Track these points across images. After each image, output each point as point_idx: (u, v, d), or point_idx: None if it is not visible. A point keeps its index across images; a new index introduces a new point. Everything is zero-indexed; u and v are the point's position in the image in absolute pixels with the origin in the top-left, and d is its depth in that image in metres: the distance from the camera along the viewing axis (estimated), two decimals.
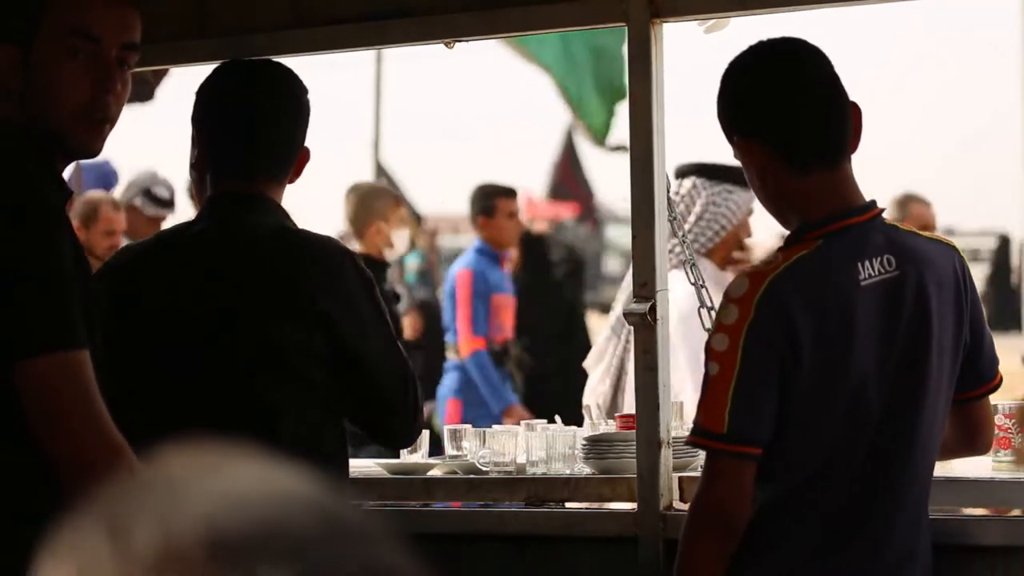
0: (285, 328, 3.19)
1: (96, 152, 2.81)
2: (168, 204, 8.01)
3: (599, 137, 9.37)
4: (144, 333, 3.28)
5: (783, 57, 3.02)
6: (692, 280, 4.21)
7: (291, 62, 3.55)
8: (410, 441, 3.60)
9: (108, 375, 3.28)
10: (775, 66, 3.01)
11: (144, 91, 7.61)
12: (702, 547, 2.89)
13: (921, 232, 3.06)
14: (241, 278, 3.23)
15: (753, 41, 3.05)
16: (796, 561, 2.93)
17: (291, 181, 3.41)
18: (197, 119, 3.39)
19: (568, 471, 3.74)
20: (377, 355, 3.25)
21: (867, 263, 2.92)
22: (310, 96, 3.42)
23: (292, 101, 3.38)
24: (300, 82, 3.41)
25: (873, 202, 2.99)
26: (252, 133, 3.33)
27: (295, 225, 3.34)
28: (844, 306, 2.89)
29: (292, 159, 3.37)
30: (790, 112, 2.98)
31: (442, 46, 3.80)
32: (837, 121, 2.99)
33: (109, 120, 2.77)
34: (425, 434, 3.95)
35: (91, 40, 2.72)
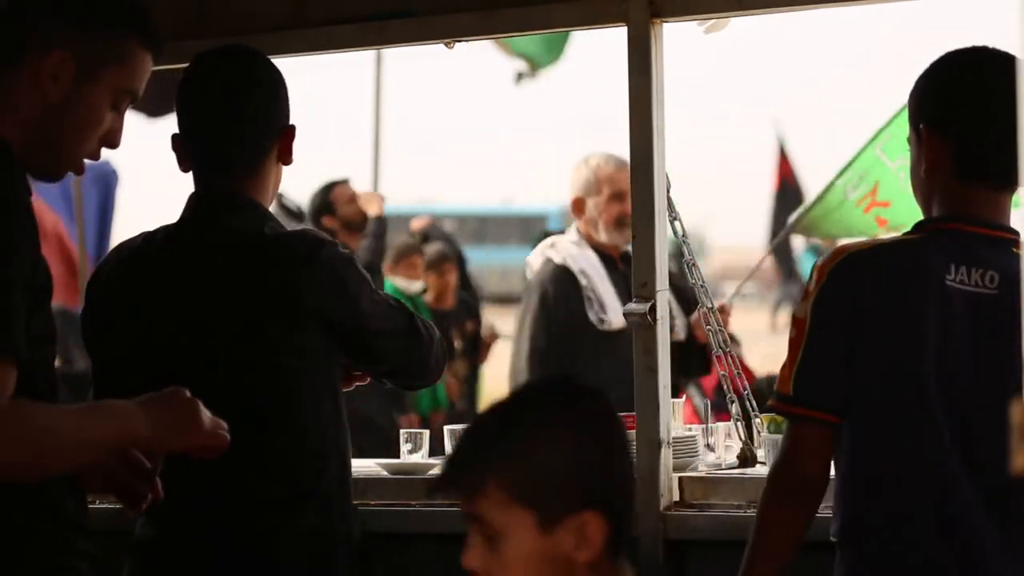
0: (276, 333, 3.16)
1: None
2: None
3: (536, 63, 9.06)
4: (135, 347, 3.25)
5: (999, 67, 2.90)
6: (692, 280, 4.21)
7: (291, 62, 3.54)
8: (436, 376, 3.46)
9: (105, 378, 3.30)
10: (988, 73, 2.90)
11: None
12: (771, 508, 2.87)
13: None
14: (222, 288, 3.19)
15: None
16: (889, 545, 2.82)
17: (285, 162, 3.31)
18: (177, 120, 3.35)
19: None
20: (378, 326, 3.25)
21: (963, 268, 2.83)
22: (301, 91, 3.40)
23: (250, 85, 3.29)
24: (262, 61, 3.32)
25: (1012, 229, 2.88)
26: (214, 127, 3.27)
27: (271, 222, 3.26)
28: (919, 298, 2.81)
29: (265, 145, 3.28)
30: (984, 120, 2.88)
31: (442, 46, 3.81)
32: (1013, 146, 2.72)
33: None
34: (425, 434, 3.95)
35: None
